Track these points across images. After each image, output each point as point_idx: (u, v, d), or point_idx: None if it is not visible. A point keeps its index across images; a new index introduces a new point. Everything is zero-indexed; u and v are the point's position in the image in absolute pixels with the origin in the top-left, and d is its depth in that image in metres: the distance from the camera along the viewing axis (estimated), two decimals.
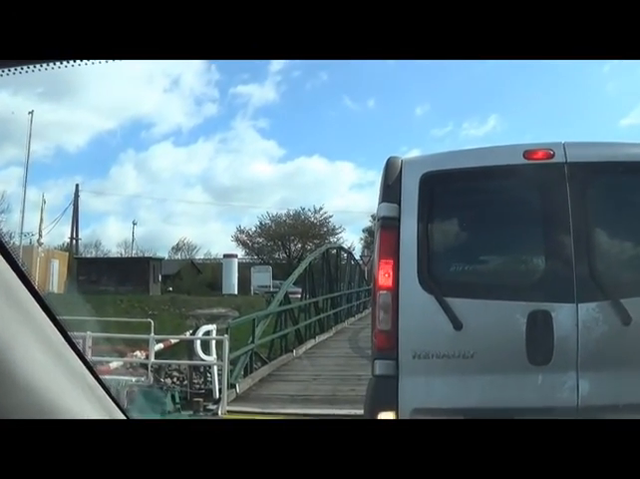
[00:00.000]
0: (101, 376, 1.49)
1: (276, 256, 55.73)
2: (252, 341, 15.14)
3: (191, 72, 69.71)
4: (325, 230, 56.32)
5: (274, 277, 40.33)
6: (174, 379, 17.20)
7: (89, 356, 12.64)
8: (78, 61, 1.49)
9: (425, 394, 4.16)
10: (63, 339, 1.33)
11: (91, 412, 1.37)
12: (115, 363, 15.08)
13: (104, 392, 1.45)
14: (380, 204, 4.39)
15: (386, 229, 4.31)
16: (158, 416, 10.91)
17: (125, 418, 1.53)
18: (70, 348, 1.36)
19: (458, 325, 4.08)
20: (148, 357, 13.72)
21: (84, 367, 1.40)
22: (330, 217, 55.71)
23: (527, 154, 4.27)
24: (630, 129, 63.90)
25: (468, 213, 4.65)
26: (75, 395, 1.33)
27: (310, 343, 20.48)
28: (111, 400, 1.47)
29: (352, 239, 69.97)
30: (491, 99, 77.34)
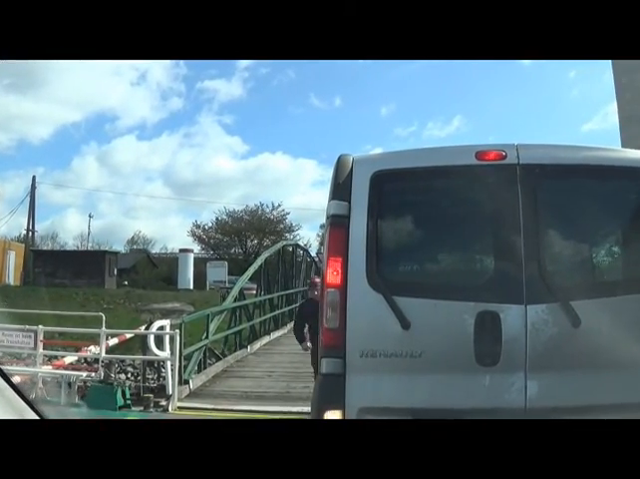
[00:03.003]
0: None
1: (232, 252, 55.70)
2: (206, 337, 15.10)
3: (160, 66, 69.78)
4: (282, 226, 56.44)
5: (230, 273, 40.28)
6: (129, 375, 17.05)
7: (40, 350, 12.48)
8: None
9: (372, 393, 4.13)
10: None
11: None
12: (69, 358, 14.86)
13: (14, 393, 1.38)
14: (330, 201, 4.36)
15: (335, 226, 4.27)
16: (109, 411, 10.78)
17: (37, 418, 1.47)
18: None
19: (406, 325, 4.06)
20: None
21: None
22: (287, 213, 55.96)
23: (479, 154, 4.27)
24: (590, 133, 65.41)
25: (418, 212, 4.63)
26: None
27: (265, 340, 20.61)
28: (23, 401, 1.41)
29: (310, 236, 70.13)
30: (457, 100, 78.91)
